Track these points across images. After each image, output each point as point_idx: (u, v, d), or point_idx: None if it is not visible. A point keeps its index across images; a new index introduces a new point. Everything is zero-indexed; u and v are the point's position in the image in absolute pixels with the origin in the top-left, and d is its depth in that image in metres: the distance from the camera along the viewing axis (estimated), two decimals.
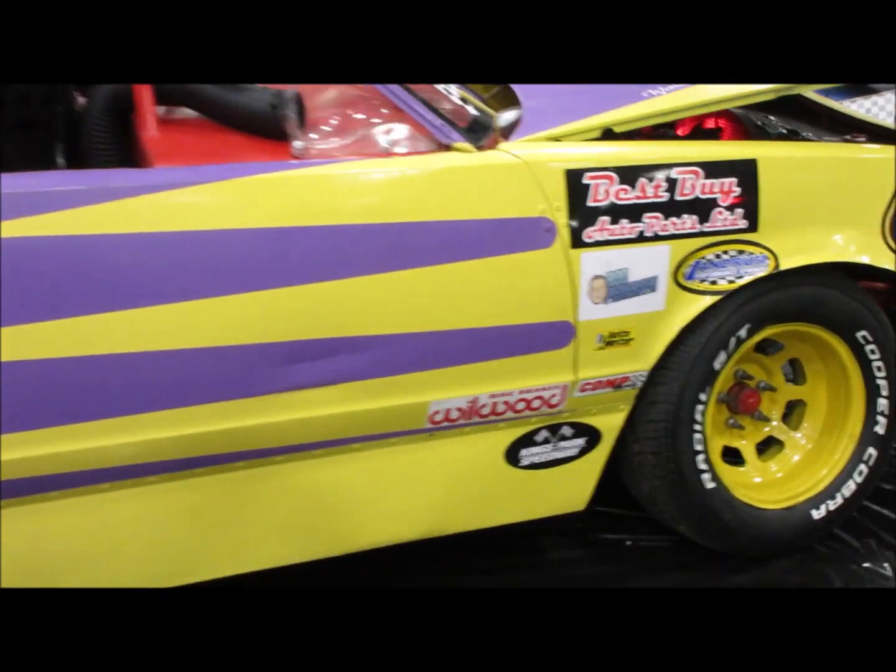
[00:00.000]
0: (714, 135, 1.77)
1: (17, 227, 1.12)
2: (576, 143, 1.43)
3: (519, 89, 1.57)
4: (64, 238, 1.15)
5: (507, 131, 1.44)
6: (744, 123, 1.77)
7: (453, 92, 1.46)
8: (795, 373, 1.78)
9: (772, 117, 1.83)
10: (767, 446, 1.78)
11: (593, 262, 1.40)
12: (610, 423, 1.55)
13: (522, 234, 1.35)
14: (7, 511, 1.21)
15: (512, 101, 1.56)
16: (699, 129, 1.76)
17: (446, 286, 1.33)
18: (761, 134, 1.74)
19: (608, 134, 1.46)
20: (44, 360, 1.14)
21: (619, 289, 1.43)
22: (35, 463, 1.18)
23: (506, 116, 1.51)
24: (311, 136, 1.32)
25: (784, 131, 1.76)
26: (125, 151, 1.44)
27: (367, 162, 1.29)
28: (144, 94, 1.33)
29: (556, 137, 1.43)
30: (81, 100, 1.62)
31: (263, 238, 1.23)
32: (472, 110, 1.43)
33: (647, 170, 1.41)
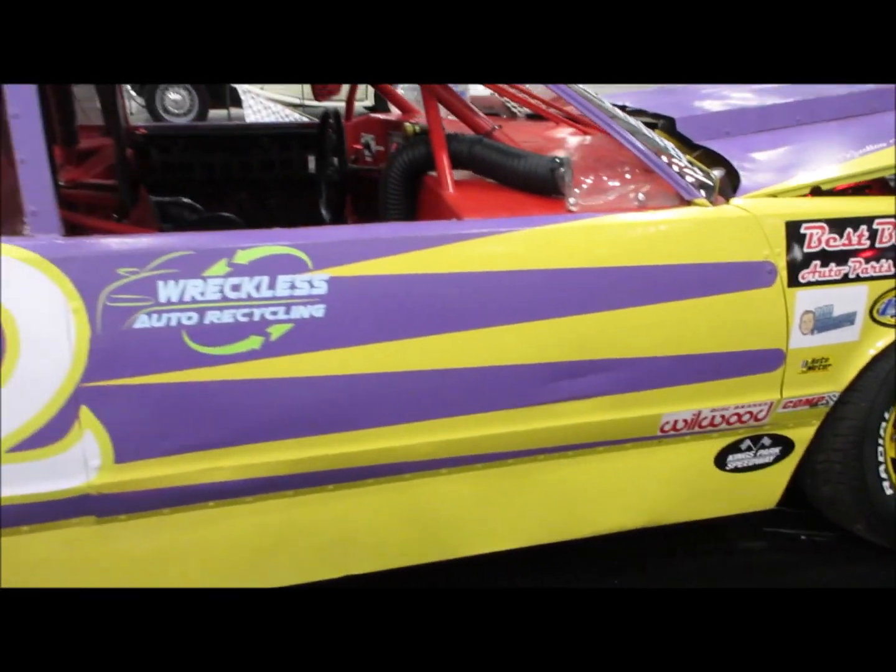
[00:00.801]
0: (862, 191, 1.88)
1: (367, 268, 1.44)
2: (792, 199, 1.69)
3: (721, 150, 1.83)
4: (401, 276, 1.46)
5: (722, 188, 1.70)
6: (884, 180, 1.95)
7: (680, 155, 1.73)
8: None
9: None
10: None
11: (805, 299, 1.65)
12: (802, 436, 1.81)
13: (749, 275, 1.61)
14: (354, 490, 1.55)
15: (714, 162, 1.81)
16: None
17: (684, 318, 1.60)
18: None
19: (816, 191, 1.72)
20: (406, 372, 1.47)
21: (824, 322, 1.68)
22: (399, 451, 1.51)
23: (715, 174, 1.76)
24: (578, 191, 1.60)
25: None
26: (412, 205, 1.76)
27: (629, 215, 1.57)
28: (443, 159, 1.63)
29: (774, 194, 1.69)
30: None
31: (547, 277, 1.52)
32: (698, 171, 1.70)
33: (853, 222, 1.66)
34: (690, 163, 1.72)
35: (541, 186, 1.61)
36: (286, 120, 4.52)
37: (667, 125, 1.98)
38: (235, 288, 1.38)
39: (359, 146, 2.51)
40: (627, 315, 1.56)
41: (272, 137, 2.68)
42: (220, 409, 1.42)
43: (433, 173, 1.74)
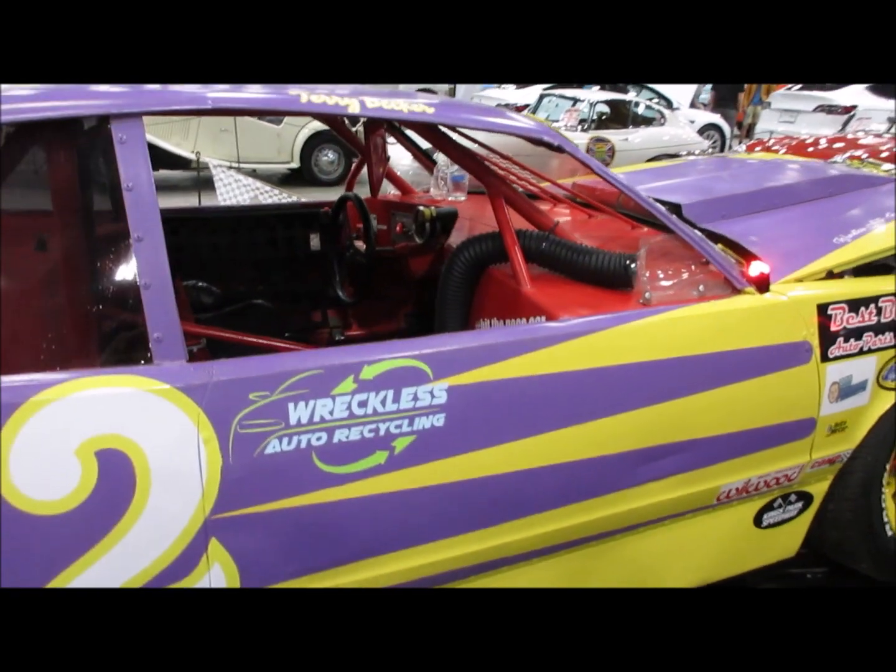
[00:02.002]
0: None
1: (482, 374, 1.47)
2: (814, 283, 1.89)
3: (727, 234, 2.01)
4: (513, 381, 1.50)
5: None
6: None
7: (716, 247, 1.88)
8: None
9: None
10: None
11: (833, 372, 1.85)
12: (820, 489, 2.01)
13: (792, 355, 1.79)
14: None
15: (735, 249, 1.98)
16: None
17: (740, 398, 1.74)
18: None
19: (829, 274, 1.93)
20: (512, 473, 1.50)
21: (845, 390, 1.89)
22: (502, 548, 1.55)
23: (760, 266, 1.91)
24: (647, 285, 1.71)
25: None
26: (471, 296, 1.80)
27: (698, 307, 1.69)
28: (518, 256, 1.69)
29: (799, 279, 1.88)
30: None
31: (638, 370, 1.61)
32: (732, 261, 1.86)
33: (865, 301, 1.89)
34: (724, 251, 1.88)
35: (612, 280, 1.71)
36: (263, 194, 4.42)
37: (673, 211, 2.14)
38: (362, 404, 1.37)
39: (360, 225, 2.51)
40: (697, 400, 1.68)
41: (276, 217, 2.63)
42: (345, 527, 1.40)
43: (496, 266, 1.81)
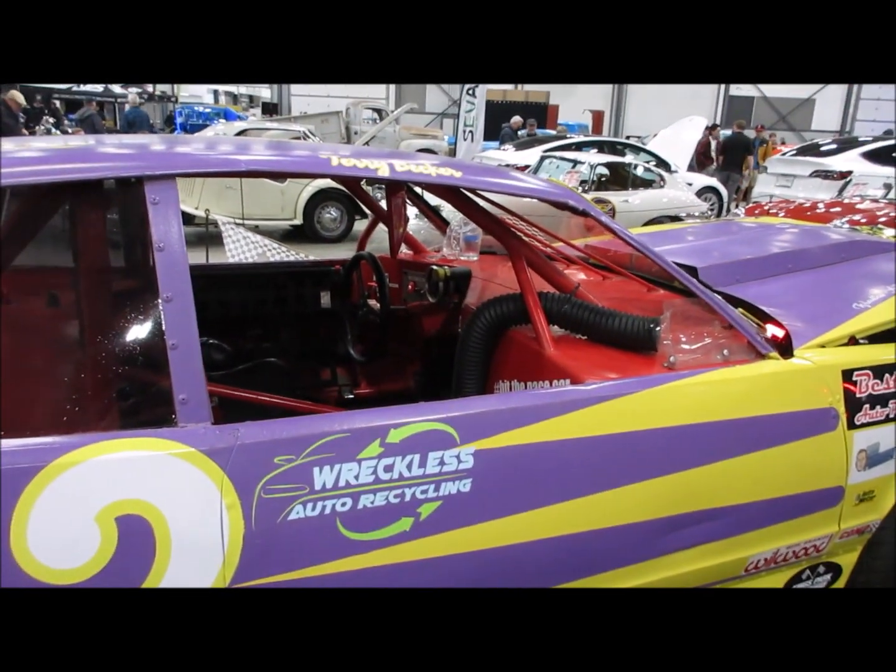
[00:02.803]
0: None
1: (509, 438, 1.44)
2: (840, 349, 1.88)
3: (742, 297, 2.02)
4: (540, 445, 1.47)
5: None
6: None
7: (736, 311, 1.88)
8: None
9: None
10: None
11: (860, 440, 1.82)
12: (849, 561, 1.96)
13: (819, 421, 1.76)
14: None
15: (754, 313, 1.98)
16: None
17: (768, 465, 1.71)
18: None
19: (851, 339, 1.92)
20: (538, 541, 1.46)
21: (873, 458, 1.86)
22: None
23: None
24: (671, 348, 1.69)
25: None
26: (489, 357, 1.79)
27: (724, 371, 1.68)
28: (541, 318, 1.68)
29: (822, 344, 1.87)
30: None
31: (665, 435, 1.58)
32: (754, 325, 1.85)
33: (888, 368, 1.87)
34: (745, 315, 1.87)
35: (635, 344, 1.70)
36: (271, 251, 4.46)
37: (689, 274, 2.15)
38: (388, 468, 1.34)
39: (372, 283, 2.52)
40: (725, 467, 1.65)
41: (287, 275, 2.63)
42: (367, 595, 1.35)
43: (516, 328, 1.80)
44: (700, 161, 11.96)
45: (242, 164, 1.33)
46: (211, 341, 2.16)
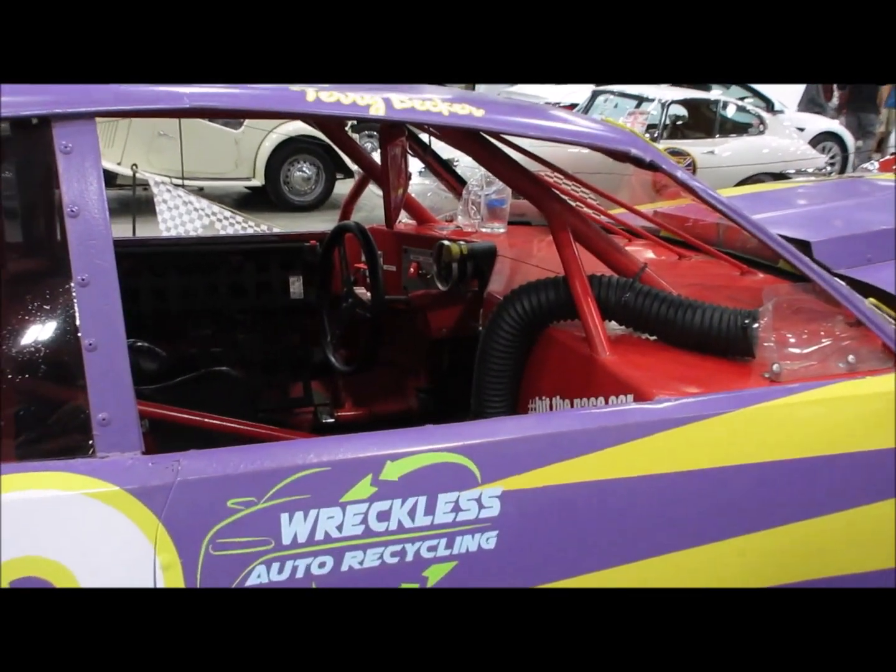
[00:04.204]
0: None
1: (550, 475, 1.45)
2: None
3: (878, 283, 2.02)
4: (593, 484, 1.48)
5: None
6: None
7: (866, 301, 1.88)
8: None
9: None
10: None
11: None
12: None
13: None
14: None
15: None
16: None
17: None
18: None
19: None
20: None
21: None
22: None
23: None
24: (773, 353, 1.70)
25: None
26: (522, 363, 1.81)
27: (845, 385, 1.68)
28: (592, 312, 1.69)
29: None
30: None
31: (759, 474, 1.59)
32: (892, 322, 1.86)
33: None
34: (878, 308, 1.88)
35: (724, 346, 1.71)
36: (222, 221, 4.49)
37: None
38: (383, 516, 1.35)
39: (360, 265, 2.53)
40: (853, 518, 1.65)
41: (244, 254, 2.65)
42: None
43: (558, 325, 1.82)
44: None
45: (185, 100, 1.35)
46: (141, 344, 2.19)
